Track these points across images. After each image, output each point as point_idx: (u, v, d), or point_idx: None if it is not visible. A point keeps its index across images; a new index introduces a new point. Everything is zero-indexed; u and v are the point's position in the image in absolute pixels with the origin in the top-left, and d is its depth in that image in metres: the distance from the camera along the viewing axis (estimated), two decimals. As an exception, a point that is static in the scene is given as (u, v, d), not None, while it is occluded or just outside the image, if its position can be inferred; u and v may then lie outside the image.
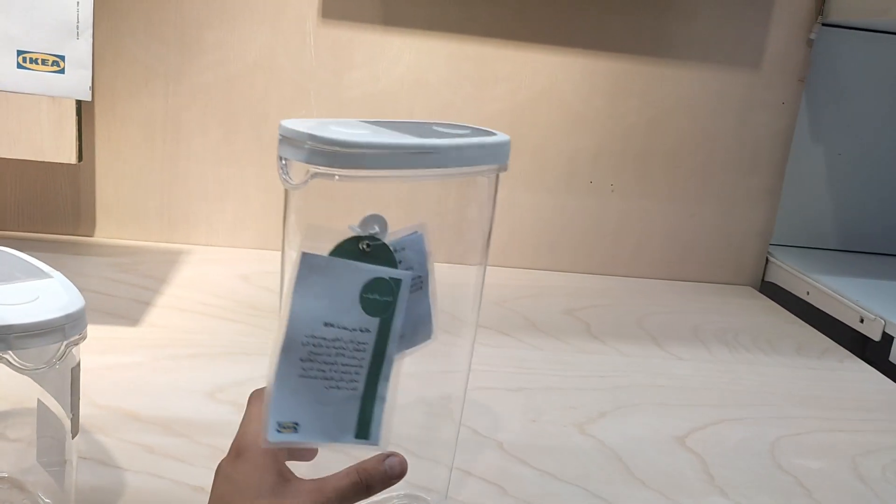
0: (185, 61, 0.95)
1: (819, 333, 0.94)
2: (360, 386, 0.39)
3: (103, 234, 1.00)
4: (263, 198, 1.01)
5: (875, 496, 0.59)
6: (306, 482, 0.40)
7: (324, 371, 0.38)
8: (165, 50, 0.94)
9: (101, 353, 0.68)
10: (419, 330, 0.44)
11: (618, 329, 0.87)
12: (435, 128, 0.45)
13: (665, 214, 1.07)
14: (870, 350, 0.94)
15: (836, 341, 0.92)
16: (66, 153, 0.87)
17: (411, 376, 0.43)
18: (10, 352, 0.37)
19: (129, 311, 0.77)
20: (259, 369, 0.64)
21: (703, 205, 1.07)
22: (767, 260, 1.10)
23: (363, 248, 0.38)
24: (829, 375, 0.82)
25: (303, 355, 0.37)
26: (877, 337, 0.88)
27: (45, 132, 0.86)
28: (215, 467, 0.40)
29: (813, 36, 1.02)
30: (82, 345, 0.43)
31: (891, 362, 0.86)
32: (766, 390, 0.76)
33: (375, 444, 0.40)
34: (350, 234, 0.38)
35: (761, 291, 1.09)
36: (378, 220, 0.39)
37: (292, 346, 0.37)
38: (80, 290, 0.75)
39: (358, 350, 0.39)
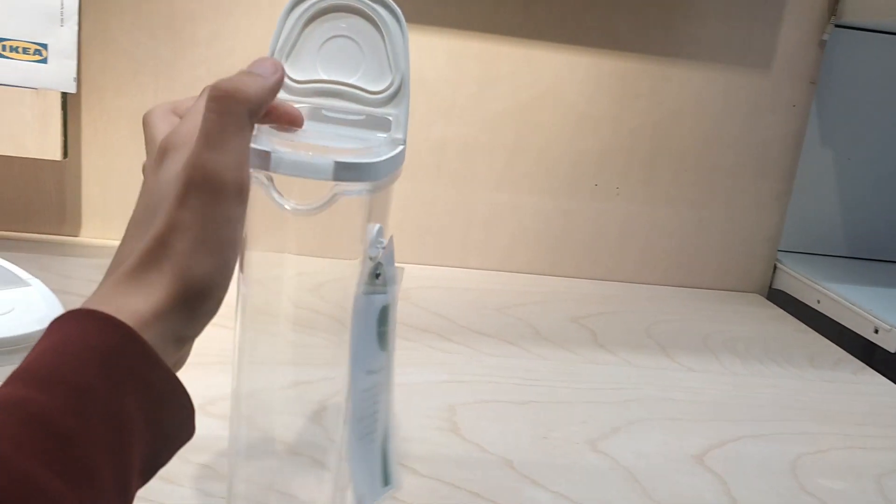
0: (176, 54, 0.91)
1: (831, 343, 0.91)
2: (382, 429, 0.36)
3: (89, 234, 0.96)
4: (257, 198, 0.97)
5: (904, 520, 0.56)
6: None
7: (368, 426, 0.35)
8: (155, 42, 0.90)
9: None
10: None
11: (626, 338, 0.84)
12: (325, 113, 0.41)
13: (671, 219, 1.04)
14: (878, 359, 0.91)
15: (844, 350, 0.89)
16: (51, 150, 0.83)
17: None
18: (-20, 370, 0.34)
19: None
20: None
21: (710, 209, 1.04)
22: (775, 267, 1.07)
23: (378, 275, 0.35)
24: (844, 388, 0.79)
25: (360, 413, 0.34)
26: (892, 348, 0.85)
27: (29, 127, 0.82)
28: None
29: (825, 37, 1.00)
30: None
31: (906, 374, 0.83)
32: (781, 404, 0.73)
33: (397, 487, 0.37)
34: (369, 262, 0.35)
35: (769, 299, 1.06)
36: (380, 231, 0.36)
37: (355, 408, 0.33)
38: (62, 293, 0.70)
39: (380, 392, 0.35)
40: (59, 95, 0.80)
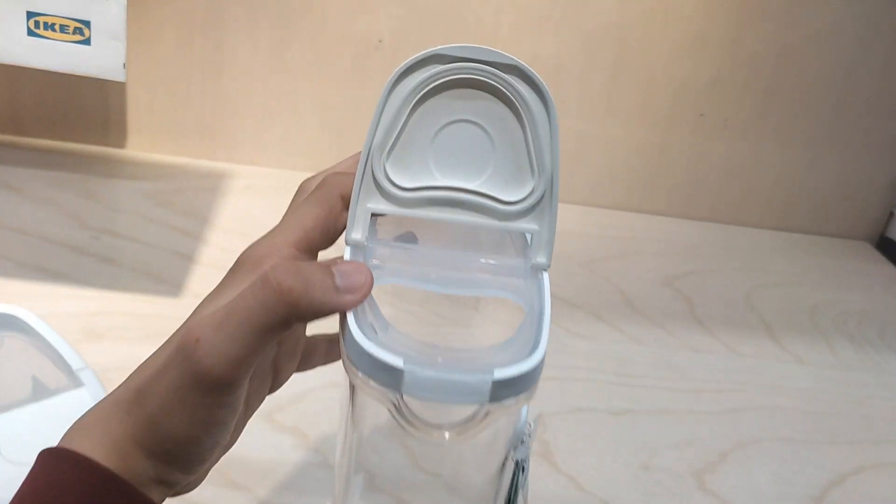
0: (229, -50, 0.78)
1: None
2: None
3: (135, 147, 0.87)
4: (319, 116, 0.87)
5: None
6: None
7: None
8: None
9: (138, 341, 0.57)
10: None
11: (725, 311, 0.76)
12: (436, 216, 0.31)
13: (781, 157, 0.92)
14: None
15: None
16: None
17: None
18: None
19: (170, 272, 0.67)
20: (337, 371, 0.53)
21: (827, 150, 0.92)
22: (891, 214, 0.95)
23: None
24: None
25: None
26: None
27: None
28: None
29: None
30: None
31: None
32: (904, 417, 0.65)
33: None
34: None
35: (878, 248, 0.95)
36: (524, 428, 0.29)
37: None
38: (113, 234, 0.62)
39: None
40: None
